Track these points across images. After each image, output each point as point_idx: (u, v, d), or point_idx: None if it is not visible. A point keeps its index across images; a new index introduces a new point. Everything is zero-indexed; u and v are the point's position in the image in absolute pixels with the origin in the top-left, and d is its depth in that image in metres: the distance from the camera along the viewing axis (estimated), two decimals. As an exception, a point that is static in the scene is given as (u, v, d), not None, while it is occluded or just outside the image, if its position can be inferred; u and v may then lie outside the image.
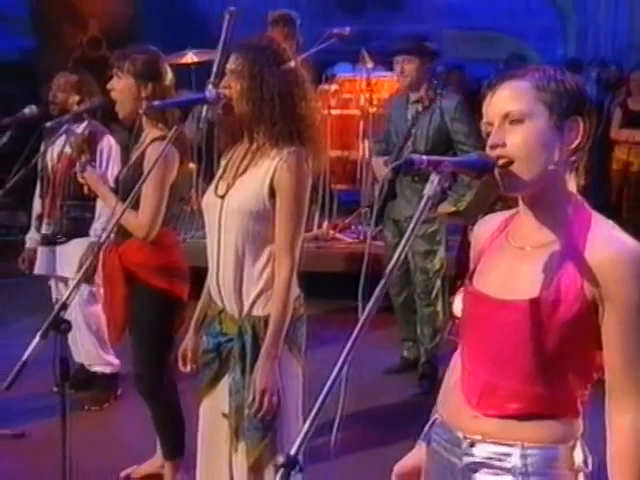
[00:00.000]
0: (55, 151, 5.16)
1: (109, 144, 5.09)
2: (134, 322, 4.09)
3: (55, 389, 5.04)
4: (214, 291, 3.35)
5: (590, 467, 2.16)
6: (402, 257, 2.02)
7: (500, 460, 2.16)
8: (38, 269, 5.26)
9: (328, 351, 3.65)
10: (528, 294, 2.08)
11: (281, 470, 1.71)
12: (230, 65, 3.28)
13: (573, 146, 2.08)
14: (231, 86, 3.22)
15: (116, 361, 5.29)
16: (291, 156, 3.15)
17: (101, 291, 4.94)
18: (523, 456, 2.13)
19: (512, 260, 2.18)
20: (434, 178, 2.02)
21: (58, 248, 5.11)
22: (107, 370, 5.25)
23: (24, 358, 2.65)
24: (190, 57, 7.22)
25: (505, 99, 2.11)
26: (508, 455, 2.14)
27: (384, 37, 8.39)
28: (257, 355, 3.19)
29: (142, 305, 4.04)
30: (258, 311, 3.22)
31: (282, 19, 7.26)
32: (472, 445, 2.20)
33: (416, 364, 5.60)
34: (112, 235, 3.98)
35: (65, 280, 5.20)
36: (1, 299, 5.43)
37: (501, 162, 2.05)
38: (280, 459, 1.78)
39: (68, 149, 5.10)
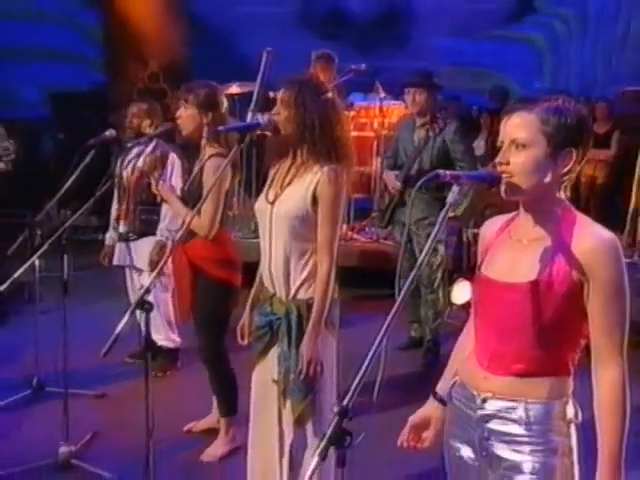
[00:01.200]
0: (130, 166, 5.12)
1: (173, 160, 5.02)
2: (198, 306, 4.08)
3: (127, 359, 5.22)
4: (266, 279, 3.33)
5: (580, 419, 2.17)
6: (428, 254, 2.07)
7: (508, 412, 2.17)
8: (116, 261, 5.25)
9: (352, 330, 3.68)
10: (528, 277, 2.11)
11: (336, 416, 1.76)
12: (280, 96, 3.26)
13: (564, 171, 2.09)
14: (280, 113, 3.21)
15: (178, 339, 5.30)
16: (331, 171, 3.14)
17: (171, 281, 4.91)
18: (526, 409, 2.14)
19: (513, 251, 2.19)
20: (455, 189, 2.04)
21: (132, 244, 5.10)
22: (171, 345, 5.25)
23: (117, 331, 2.69)
24: (235, 89, 7.19)
25: (514, 127, 2.11)
26: (514, 409, 2.15)
27: (390, 72, 8.28)
28: (300, 331, 3.19)
29: (204, 292, 4.03)
30: (302, 295, 3.21)
31: (324, 57, 7.24)
32: (484, 401, 2.21)
33: (421, 342, 5.58)
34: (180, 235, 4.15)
35: (137, 269, 5.19)
36: (83, 286, 5.41)
37: (504, 177, 2.08)
38: (335, 408, 1.78)
39: (140, 164, 5.07)
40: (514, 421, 2.19)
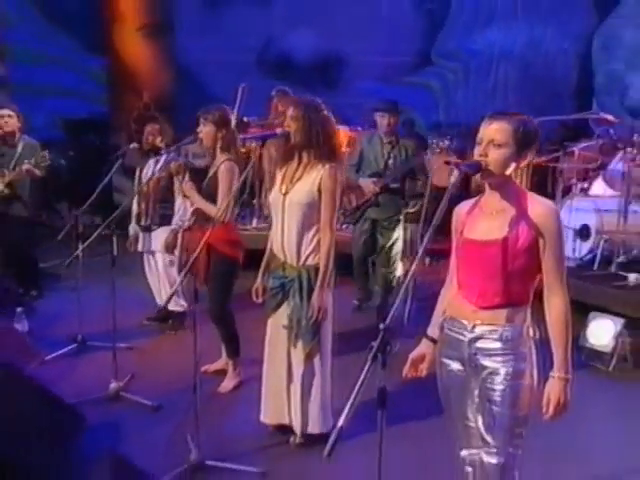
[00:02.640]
0: (149, 172, 5.00)
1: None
2: (212, 275, 4.00)
3: (145, 322, 5.16)
4: (278, 251, 3.34)
5: (537, 336, 2.28)
6: (424, 245, 2.16)
7: (490, 334, 2.27)
8: (140, 248, 5.11)
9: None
10: (500, 236, 2.22)
11: (382, 331, 1.84)
12: (290, 113, 3.28)
13: (522, 165, 2.22)
14: (290, 126, 3.24)
15: (185, 304, 5.14)
16: (331, 169, 3.21)
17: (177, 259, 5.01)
18: (504, 331, 2.25)
19: (487, 220, 2.27)
20: (456, 173, 2.14)
21: (153, 233, 5.02)
22: (180, 309, 5.14)
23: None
24: None
25: (494, 130, 2.20)
26: (495, 331, 2.26)
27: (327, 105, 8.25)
28: (310, 288, 3.24)
29: (217, 264, 3.98)
30: (310, 262, 3.26)
31: (282, 90, 7.27)
32: (474, 327, 2.30)
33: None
34: (199, 221, 4.10)
35: (153, 252, 5.08)
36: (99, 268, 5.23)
37: (484, 165, 2.17)
38: (381, 325, 1.85)
39: (156, 171, 4.90)
40: (495, 340, 2.27)
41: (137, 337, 4.86)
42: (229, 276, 4.01)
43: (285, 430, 3.46)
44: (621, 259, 5.34)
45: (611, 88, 11.01)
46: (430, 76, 11.56)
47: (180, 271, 4.98)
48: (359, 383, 1.75)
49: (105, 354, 4.28)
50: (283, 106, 7.37)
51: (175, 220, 4.94)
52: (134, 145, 4.79)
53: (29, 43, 9.27)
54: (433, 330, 2.41)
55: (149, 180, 4.95)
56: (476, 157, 2.20)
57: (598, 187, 6.09)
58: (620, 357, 4.45)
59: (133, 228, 5.19)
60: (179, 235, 4.92)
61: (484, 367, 2.27)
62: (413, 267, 2.06)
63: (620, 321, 4.49)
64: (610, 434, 3.63)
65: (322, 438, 3.29)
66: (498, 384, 2.24)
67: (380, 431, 1.92)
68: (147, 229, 5.07)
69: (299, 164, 3.27)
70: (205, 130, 4.01)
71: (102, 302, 4.22)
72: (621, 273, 5.18)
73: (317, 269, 3.23)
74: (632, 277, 5.01)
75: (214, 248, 3.96)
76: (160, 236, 4.98)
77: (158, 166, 4.97)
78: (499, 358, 2.25)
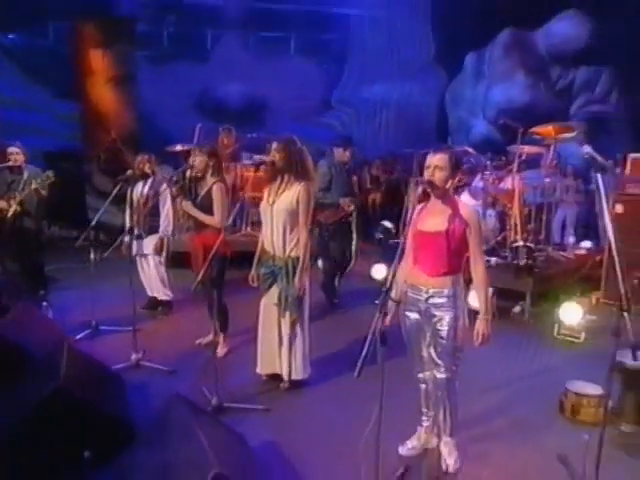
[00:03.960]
0: (138, 192, 4.95)
1: (165, 187, 4.94)
2: (209, 267, 3.68)
3: (140, 309, 4.90)
4: (268, 246, 3.46)
5: (462, 292, 2.63)
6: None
7: (438, 294, 2.59)
8: (134, 252, 4.86)
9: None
10: (443, 228, 2.54)
11: (384, 293, 2.11)
12: (274, 147, 3.40)
13: (454, 182, 2.56)
14: (275, 156, 3.39)
15: (171, 294, 5.17)
16: (305, 186, 3.38)
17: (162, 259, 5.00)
18: (448, 291, 2.59)
19: (433, 218, 2.59)
20: (417, 187, 2.50)
21: (144, 240, 4.95)
22: (167, 298, 5.15)
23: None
24: (179, 147, 6.91)
25: (437, 159, 2.53)
26: (442, 291, 2.59)
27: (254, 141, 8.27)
28: (294, 273, 3.40)
29: (213, 259, 3.71)
30: (293, 254, 3.41)
31: (227, 128, 7.24)
32: (427, 290, 2.61)
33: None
34: (196, 227, 4.16)
35: (144, 255, 5.00)
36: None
37: (432, 182, 2.51)
38: (383, 288, 2.14)
39: (145, 191, 4.93)
40: (442, 297, 2.60)
41: (137, 322, 4.64)
42: (222, 267, 4.03)
43: (275, 378, 3.64)
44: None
45: (459, 129, 11.96)
46: (332, 117, 11.96)
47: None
48: (372, 329, 2.02)
49: (113, 336, 4.28)
50: (228, 140, 7.54)
51: (161, 230, 4.94)
52: (130, 171, 4.77)
53: (10, 92, 8.93)
54: (396, 294, 2.66)
55: (140, 198, 4.95)
56: (426, 177, 2.54)
57: (464, 198, 6.74)
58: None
59: (126, 237, 5.00)
60: (165, 241, 4.95)
61: (434, 315, 2.62)
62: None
63: (490, 289, 5.07)
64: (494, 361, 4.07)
65: (303, 383, 3.61)
66: (444, 326, 2.60)
67: (382, 363, 2.07)
68: (139, 237, 4.98)
69: (281, 182, 3.43)
70: (198, 159, 4.09)
71: (94, 297, 4.24)
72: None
73: (296, 259, 3.41)
74: (492, 260, 5.49)
75: (211, 247, 3.80)
76: (150, 242, 4.96)
77: (147, 188, 5.00)
78: (444, 309, 2.60)
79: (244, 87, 11.01)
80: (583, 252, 6.17)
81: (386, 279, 2.22)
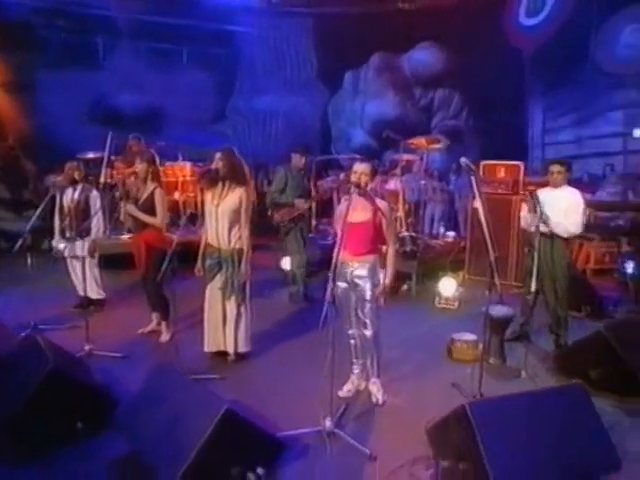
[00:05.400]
0: (68, 198, 4.99)
1: (95, 193, 5.06)
2: (151, 262, 4.21)
3: (71, 309, 5.09)
4: (214, 240, 3.77)
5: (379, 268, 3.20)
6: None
7: (361, 267, 3.16)
8: (66, 254, 5.07)
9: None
10: (366, 219, 3.09)
11: (330, 279, 2.74)
12: (218, 156, 3.74)
13: (372, 185, 3.13)
14: (219, 164, 3.73)
15: (104, 293, 5.29)
16: (246, 189, 3.77)
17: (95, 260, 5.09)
18: (368, 265, 3.15)
19: (358, 211, 3.11)
20: (355, 189, 3.05)
21: (76, 243, 5.00)
22: (100, 296, 5.26)
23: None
24: (90, 155, 6.98)
25: (362, 167, 3.08)
26: (364, 265, 3.16)
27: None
28: (239, 262, 3.76)
29: (154, 254, 4.19)
30: (237, 246, 3.78)
31: (136, 137, 7.30)
32: (353, 265, 3.15)
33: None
34: (138, 228, 4.37)
35: (76, 257, 5.03)
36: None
37: (359, 184, 3.05)
38: (330, 274, 2.80)
39: (76, 196, 4.98)
40: (363, 270, 3.15)
41: (69, 320, 4.76)
42: (161, 261, 3.79)
43: (221, 355, 3.98)
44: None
45: (341, 138, 12.92)
46: (225, 126, 12.20)
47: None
48: (329, 290, 2.66)
49: (54, 334, 4.17)
50: (136, 147, 7.62)
51: (94, 232, 4.99)
52: (59, 179, 4.83)
53: None
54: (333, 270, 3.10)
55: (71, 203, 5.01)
56: (354, 180, 3.13)
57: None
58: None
59: (57, 241, 5.10)
60: (97, 243, 5.04)
61: (358, 284, 3.20)
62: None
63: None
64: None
65: (247, 355, 4.03)
66: (367, 291, 3.19)
67: (331, 320, 2.65)
68: (71, 239, 5.05)
69: (223, 187, 3.79)
70: (140, 166, 4.33)
71: (30, 299, 4.25)
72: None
73: (240, 250, 3.79)
74: (408, 248, 6.05)
75: (152, 244, 4.27)
76: (81, 244, 4.97)
77: (77, 193, 5.04)
78: (366, 279, 3.19)
79: (138, 96, 10.82)
80: (450, 240, 7.34)
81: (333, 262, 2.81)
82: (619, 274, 5.82)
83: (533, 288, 3.87)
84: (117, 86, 10.72)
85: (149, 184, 4.38)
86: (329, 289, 2.70)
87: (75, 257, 5.13)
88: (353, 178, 3.19)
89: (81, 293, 5.17)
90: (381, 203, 3.30)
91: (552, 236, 4.01)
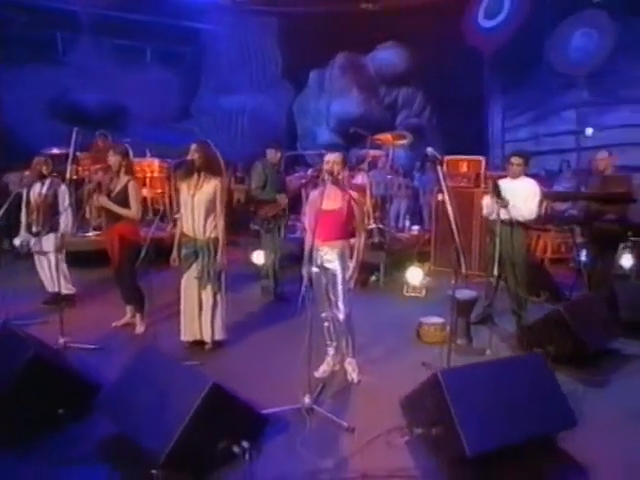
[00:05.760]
0: (35, 193, 4.94)
1: (63, 187, 5.03)
2: (124, 254, 4.23)
3: (42, 305, 5.07)
4: (189, 230, 3.83)
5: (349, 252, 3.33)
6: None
7: (331, 252, 3.28)
8: (33, 249, 5.01)
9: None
10: (337, 207, 3.23)
11: (307, 264, 2.89)
12: (193, 148, 3.81)
13: (345, 173, 3.29)
14: (194, 155, 3.79)
15: (74, 288, 5.24)
16: (221, 180, 3.85)
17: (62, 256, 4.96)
18: (337, 250, 3.28)
19: (330, 200, 3.23)
20: (328, 177, 3.19)
21: (42, 238, 4.97)
22: (70, 292, 5.20)
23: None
24: (55, 150, 6.87)
25: (335, 156, 3.21)
26: (334, 250, 3.29)
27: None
28: (215, 252, 3.82)
29: (128, 247, 4.22)
30: (213, 235, 3.84)
31: (103, 133, 7.27)
32: (324, 250, 3.28)
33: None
34: (110, 221, 4.33)
35: (44, 253, 4.98)
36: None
37: (332, 172, 3.18)
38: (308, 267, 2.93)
39: (44, 191, 4.92)
40: (333, 254, 3.29)
41: (41, 315, 4.77)
42: (136, 253, 4.00)
43: (197, 344, 4.04)
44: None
45: (306, 135, 13.13)
46: (191, 124, 12.12)
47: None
48: (305, 278, 2.80)
49: (27, 329, 4.18)
50: (103, 144, 7.58)
51: (62, 227, 4.94)
52: (27, 173, 4.78)
53: None
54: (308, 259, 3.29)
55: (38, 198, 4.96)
56: (327, 169, 3.27)
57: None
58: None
59: (23, 235, 5.04)
60: (65, 239, 4.98)
61: (328, 268, 3.34)
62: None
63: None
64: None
65: (224, 342, 4.10)
66: (338, 274, 3.33)
67: (308, 301, 2.81)
68: (38, 234, 4.99)
69: (199, 178, 3.86)
70: (113, 159, 4.33)
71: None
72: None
73: (216, 239, 3.85)
74: (376, 240, 6.16)
75: (125, 236, 4.28)
76: (49, 240, 4.95)
77: (45, 188, 5.00)
78: (336, 262, 3.34)
79: (101, 93, 10.72)
80: (415, 233, 7.60)
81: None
82: (574, 262, 6.17)
83: (495, 272, 4.10)
84: (79, 83, 10.60)
85: (122, 177, 4.38)
86: (305, 272, 2.82)
87: (42, 253, 5.07)
88: (326, 167, 3.33)
89: (49, 289, 5.21)
90: (352, 193, 3.45)
91: (512, 224, 4.24)
